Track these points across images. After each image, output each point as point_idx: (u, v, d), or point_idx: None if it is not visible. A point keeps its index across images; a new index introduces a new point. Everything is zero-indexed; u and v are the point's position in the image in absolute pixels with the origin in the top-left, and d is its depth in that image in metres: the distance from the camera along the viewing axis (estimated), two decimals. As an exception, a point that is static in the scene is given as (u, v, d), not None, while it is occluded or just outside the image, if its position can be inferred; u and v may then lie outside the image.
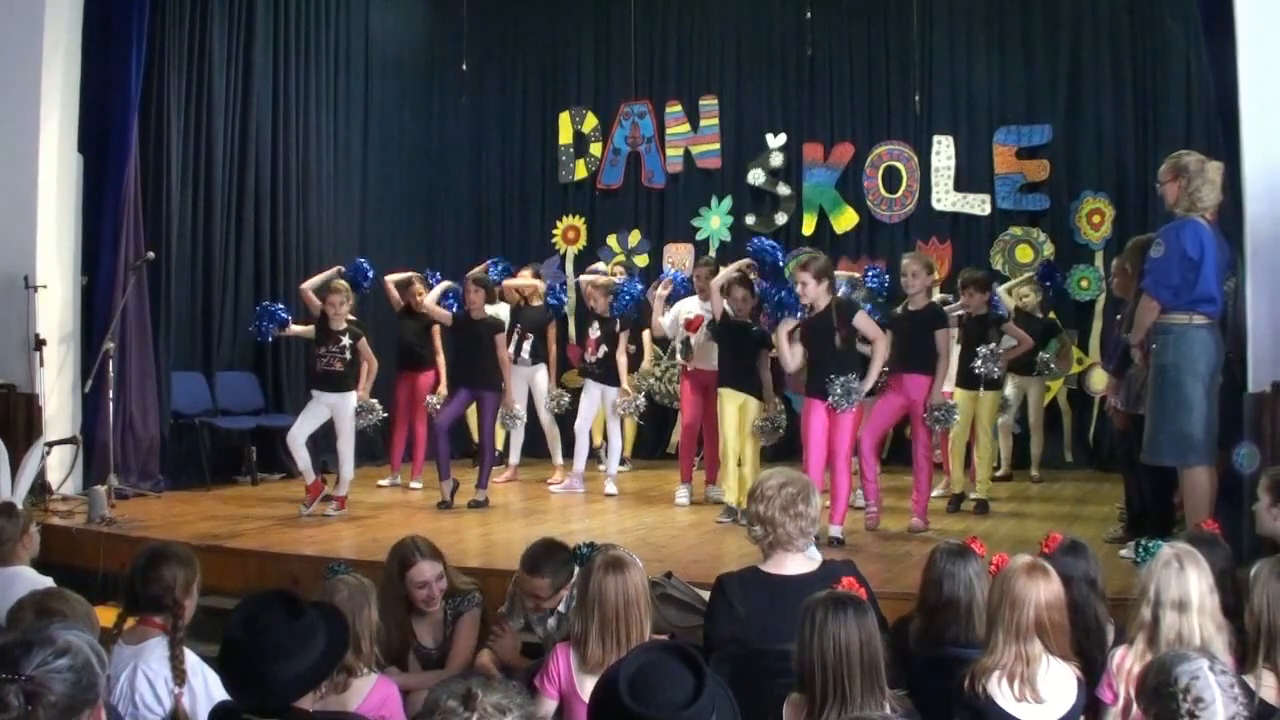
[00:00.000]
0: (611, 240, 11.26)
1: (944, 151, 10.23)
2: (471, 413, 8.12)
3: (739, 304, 7.00)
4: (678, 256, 10.99)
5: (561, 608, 4.10)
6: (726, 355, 7.10)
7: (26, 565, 4.23)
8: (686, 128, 11.11)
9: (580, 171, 11.44)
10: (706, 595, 3.87)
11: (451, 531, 6.32)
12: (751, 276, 6.96)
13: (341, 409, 7.23)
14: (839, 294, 6.48)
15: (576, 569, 4.12)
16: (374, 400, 7.51)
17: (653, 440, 10.57)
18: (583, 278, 9.01)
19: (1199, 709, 2.34)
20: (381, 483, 8.52)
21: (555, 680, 3.28)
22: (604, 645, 3.18)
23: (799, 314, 6.26)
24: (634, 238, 11.19)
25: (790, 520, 3.45)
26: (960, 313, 7.39)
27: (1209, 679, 2.37)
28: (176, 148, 8.42)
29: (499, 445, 9.45)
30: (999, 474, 8.73)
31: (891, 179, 10.41)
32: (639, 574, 3.29)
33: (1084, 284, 9.75)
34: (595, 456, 8.68)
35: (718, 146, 11.00)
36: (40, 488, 6.88)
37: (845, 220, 10.54)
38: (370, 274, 8.09)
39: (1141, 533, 5.01)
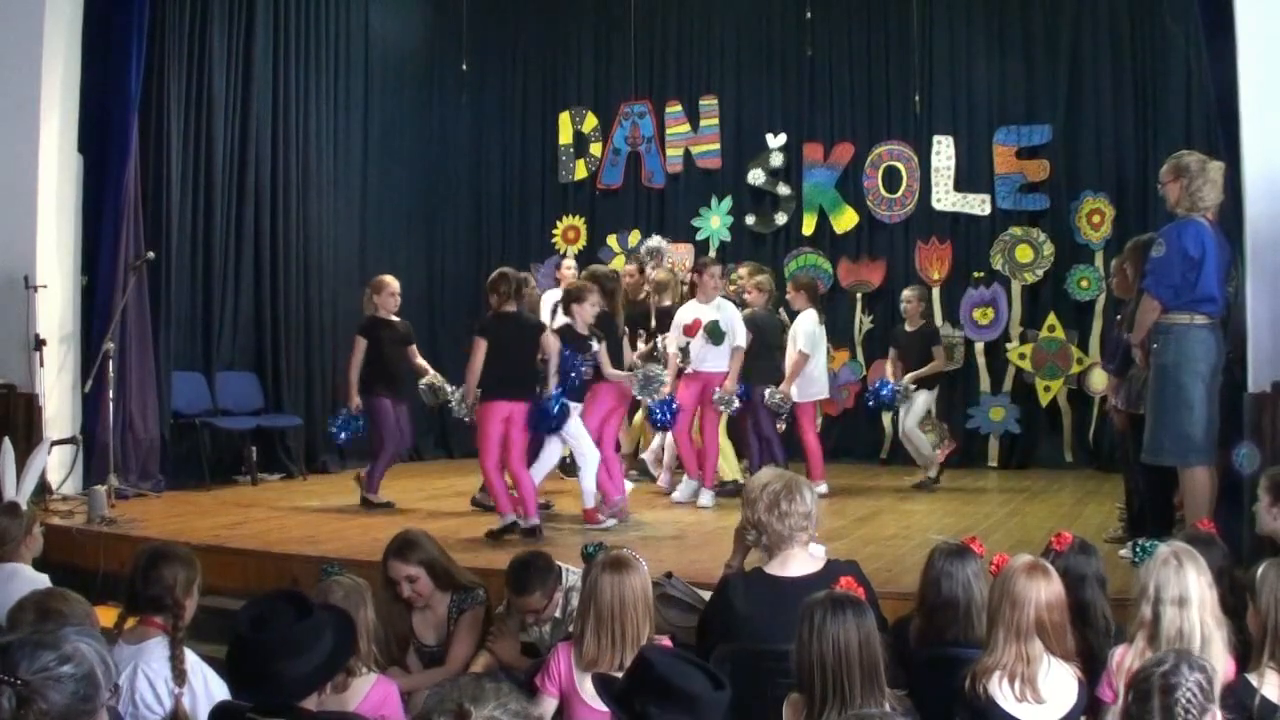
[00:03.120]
0: (611, 240, 11.26)
1: (944, 151, 10.23)
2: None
3: None
4: (678, 257, 10.99)
5: (557, 613, 4.10)
6: None
7: (27, 565, 4.23)
8: (686, 128, 11.11)
9: (580, 171, 11.44)
10: (707, 595, 3.88)
11: (452, 531, 6.32)
12: None
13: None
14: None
15: (565, 572, 4.15)
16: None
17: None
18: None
19: (1186, 714, 2.35)
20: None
21: (556, 679, 3.29)
22: (599, 643, 3.19)
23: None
24: (634, 238, 11.17)
25: (776, 520, 3.48)
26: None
27: (1198, 682, 2.37)
28: (176, 148, 8.42)
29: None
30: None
31: (891, 179, 10.41)
32: (640, 577, 3.28)
33: (1084, 284, 9.74)
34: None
35: (718, 146, 11.00)
36: (40, 488, 6.87)
37: (845, 220, 10.54)
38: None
39: (1141, 532, 5.01)
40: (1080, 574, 3.41)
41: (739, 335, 7.54)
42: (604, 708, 2.94)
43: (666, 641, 3.26)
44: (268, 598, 2.71)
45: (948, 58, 10.31)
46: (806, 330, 7.94)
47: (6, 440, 5.99)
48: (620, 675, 2.98)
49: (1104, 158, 9.84)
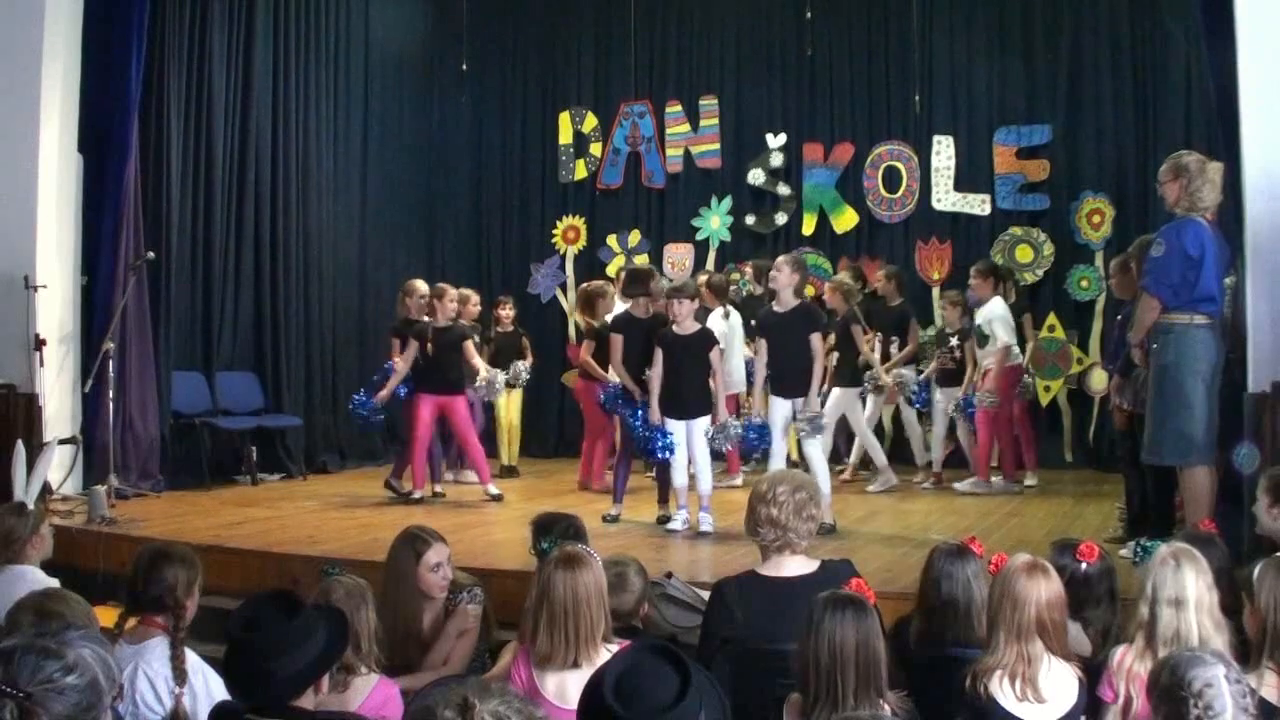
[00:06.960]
0: (611, 240, 11.26)
1: (944, 151, 10.23)
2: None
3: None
4: (677, 257, 11.00)
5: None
6: None
7: (35, 566, 4.22)
8: (686, 128, 11.11)
9: (580, 171, 11.44)
10: (707, 595, 3.88)
11: (451, 531, 6.31)
12: None
13: None
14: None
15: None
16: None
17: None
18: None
19: (1208, 716, 2.34)
20: None
21: (519, 684, 3.26)
22: (552, 640, 3.15)
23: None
24: (634, 238, 11.19)
25: (802, 524, 3.51)
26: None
27: (1223, 688, 2.36)
28: (176, 148, 8.42)
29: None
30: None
31: (891, 179, 10.41)
32: (593, 573, 3.23)
33: (1084, 284, 9.74)
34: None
35: (718, 146, 11.00)
36: (41, 488, 6.87)
37: (845, 220, 10.54)
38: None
39: (1141, 532, 5.01)
40: (1104, 585, 3.49)
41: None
42: (567, 705, 2.93)
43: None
44: (260, 599, 2.73)
45: (948, 58, 10.31)
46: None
47: (20, 443, 5.99)
48: (569, 673, 3.05)
49: (1104, 158, 9.83)
